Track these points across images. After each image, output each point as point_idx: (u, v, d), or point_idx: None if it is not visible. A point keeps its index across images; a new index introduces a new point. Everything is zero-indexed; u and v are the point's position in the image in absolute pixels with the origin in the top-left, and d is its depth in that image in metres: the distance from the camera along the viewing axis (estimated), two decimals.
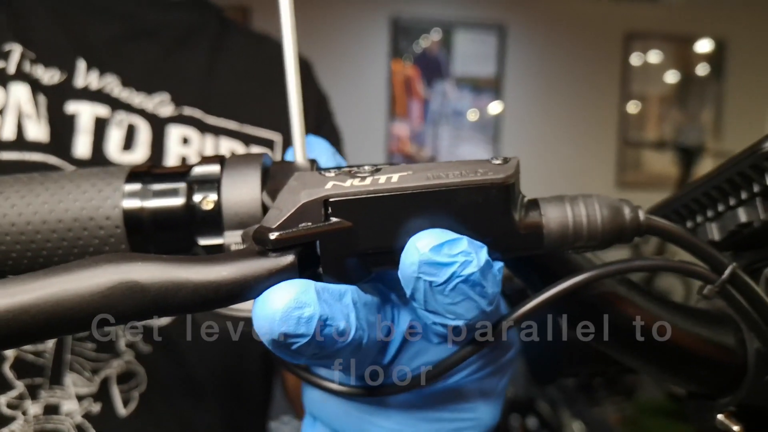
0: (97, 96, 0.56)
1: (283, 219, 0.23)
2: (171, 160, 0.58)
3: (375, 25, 3.90)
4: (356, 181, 0.24)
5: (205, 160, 0.31)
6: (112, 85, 0.57)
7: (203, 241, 0.30)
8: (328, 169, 0.25)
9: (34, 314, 0.20)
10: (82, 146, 0.54)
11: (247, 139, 0.63)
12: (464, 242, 0.23)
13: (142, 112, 0.58)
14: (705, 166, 3.86)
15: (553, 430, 2.20)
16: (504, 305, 0.30)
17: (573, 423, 2.11)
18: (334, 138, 0.74)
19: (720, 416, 0.30)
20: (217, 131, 0.62)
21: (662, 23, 4.06)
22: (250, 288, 0.22)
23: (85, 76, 0.56)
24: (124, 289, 0.21)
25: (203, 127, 0.61)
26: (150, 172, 0.31)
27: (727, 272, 0.25)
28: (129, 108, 0.58)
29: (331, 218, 0.23)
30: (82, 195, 0.30)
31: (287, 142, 0.66)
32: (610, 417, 2.32)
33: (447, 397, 0.30)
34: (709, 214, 0.30)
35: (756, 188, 0.27)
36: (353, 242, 0.24)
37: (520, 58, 4.01)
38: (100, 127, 0.56)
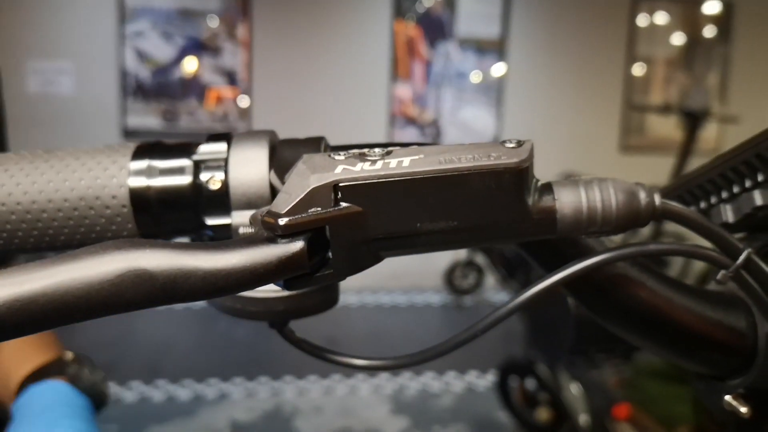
0: None
1: (292, 204, 0.22)
2: None
3: None
4: (366, 165, 0.23)
5: (212, 137, 0.30)
6: None
7: (211, 221, 0.29)
8: (337, 152, 0.25)
9: (43, 303, 0.20)
10: None
11: None
12: None
13: None
14: (710, 131, 3.83)
15: (552, 391, 2.23)
16: None
17: (571, 385, 2.14)
18: None
19: (728, 397, 0.30)
20: None
21: None
22: (260, 275, 0.22)
23: None
24: (133, 277, 0.20)
25: None
26: (156, 150, 0.30)
27: (741, 258, 0.25)
28: None
29: (341, 203, 0.23)
30: (88, 173, 0.29)
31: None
32: (608, 379, 2.34)
33: None
34: (724, 195, 0.30)
35: None
36: (363, 227, 0.23)
37: (525, 18, 3.95)
38: None
